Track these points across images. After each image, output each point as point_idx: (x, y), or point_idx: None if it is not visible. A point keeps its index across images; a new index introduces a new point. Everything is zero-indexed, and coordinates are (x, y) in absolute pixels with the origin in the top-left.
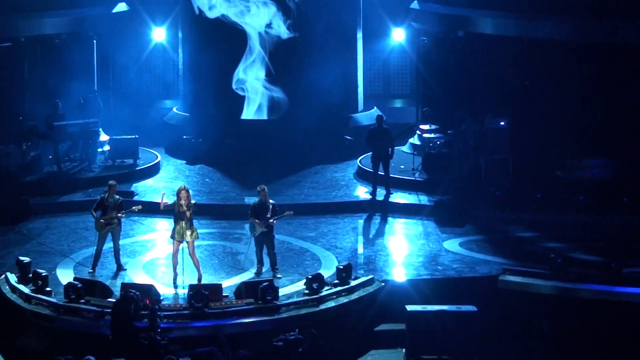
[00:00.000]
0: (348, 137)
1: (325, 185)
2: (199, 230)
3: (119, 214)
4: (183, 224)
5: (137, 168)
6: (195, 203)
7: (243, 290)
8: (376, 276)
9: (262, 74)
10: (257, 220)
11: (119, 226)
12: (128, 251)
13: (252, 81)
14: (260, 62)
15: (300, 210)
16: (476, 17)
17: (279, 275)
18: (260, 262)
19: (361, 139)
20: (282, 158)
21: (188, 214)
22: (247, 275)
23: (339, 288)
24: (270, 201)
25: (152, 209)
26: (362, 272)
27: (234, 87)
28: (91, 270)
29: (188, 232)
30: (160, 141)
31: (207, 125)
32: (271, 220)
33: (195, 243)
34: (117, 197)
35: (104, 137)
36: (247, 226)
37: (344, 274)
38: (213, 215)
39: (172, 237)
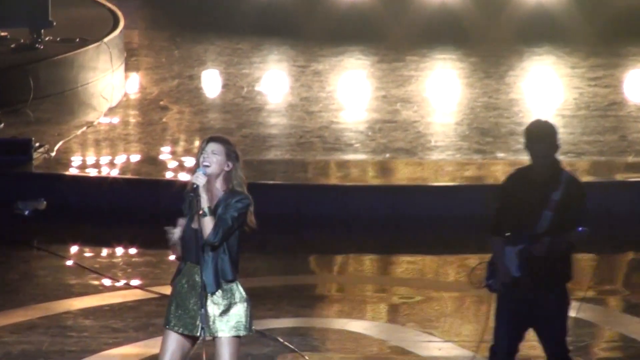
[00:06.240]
0: None
1: None
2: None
3: None
4: (196, 273)
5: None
6: (246, 204)
7: None
8: None
9: None
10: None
11: None
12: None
13: None
14: None
15: None
16: None
17: None
18: None
19: None
20: None
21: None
22: None
23: None
24: (566, 169)
25: (91, 215)
26: None
27: None
28: None
29: (216, 309)
30: None
31: None
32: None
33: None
34: None
35: None
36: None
37: None
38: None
39: (167, 323)
